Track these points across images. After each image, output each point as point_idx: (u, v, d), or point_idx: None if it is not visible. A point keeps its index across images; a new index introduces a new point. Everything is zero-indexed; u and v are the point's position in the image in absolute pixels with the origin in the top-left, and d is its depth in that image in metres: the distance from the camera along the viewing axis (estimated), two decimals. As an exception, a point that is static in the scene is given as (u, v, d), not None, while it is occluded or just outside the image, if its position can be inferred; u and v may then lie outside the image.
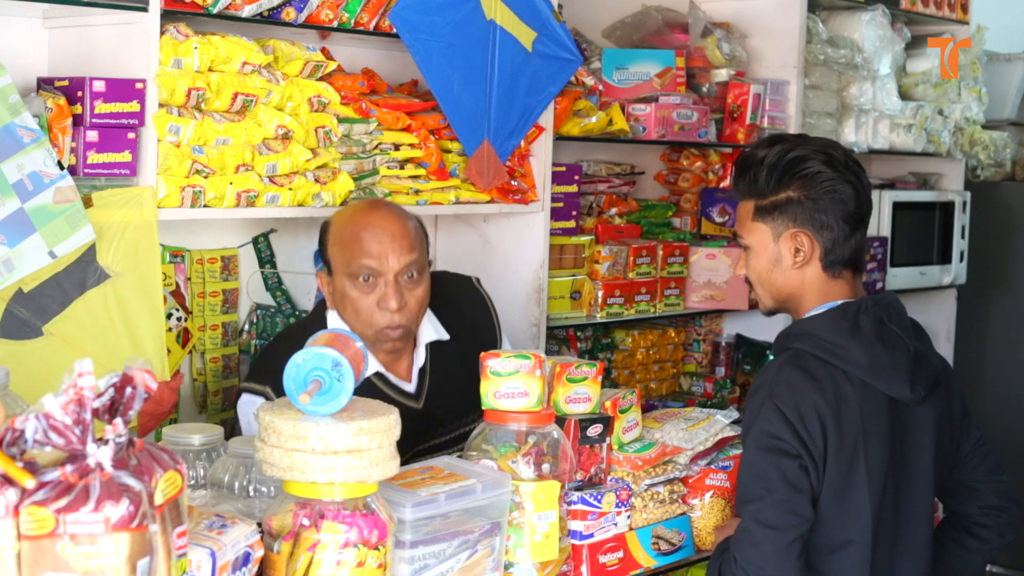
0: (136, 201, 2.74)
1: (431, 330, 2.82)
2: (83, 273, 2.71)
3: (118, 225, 2.73)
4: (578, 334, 4.20)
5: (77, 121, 2.70)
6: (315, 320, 2.78)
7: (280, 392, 2.10)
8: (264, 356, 2.87)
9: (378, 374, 2.72)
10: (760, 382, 2.36)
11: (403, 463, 2.14)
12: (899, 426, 2.39)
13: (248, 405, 2.66)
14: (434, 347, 2.81)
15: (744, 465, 2.34)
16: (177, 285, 3.18)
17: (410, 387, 2.77)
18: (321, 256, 2.79)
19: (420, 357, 2.78)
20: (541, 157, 3.65)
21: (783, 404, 2.28)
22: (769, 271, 2.44)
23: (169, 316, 3.16)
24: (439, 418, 2.76)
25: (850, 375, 2.33)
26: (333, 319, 2.75)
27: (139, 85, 2.74)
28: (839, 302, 2.42)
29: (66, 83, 2.74)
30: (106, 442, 1.45)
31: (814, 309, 2.42)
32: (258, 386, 2.67)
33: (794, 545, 2.25)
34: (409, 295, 2.68)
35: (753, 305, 4.28)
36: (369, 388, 2.66)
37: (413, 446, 2.68)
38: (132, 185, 2.76)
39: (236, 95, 2.87)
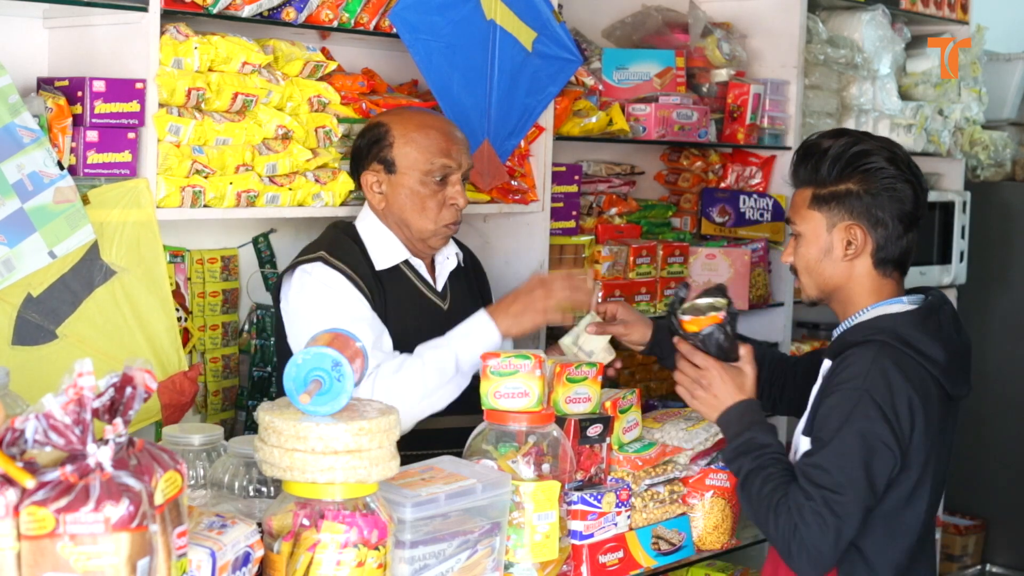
0: (133, 195, 2.74)
1: (455, 244, 3.04)
2: (89, 272, 2.72)
3: (117, 222, 2.73)
4: (578, 334, 4.20)
5: (77, 121, 2.70)
6: (345, 228, 2.92)
7: (338, 258, 2.75)
8: (306, 248, 2.93)
9: (407, 262, 2.90)
10: (852, 372, 2.32)
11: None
12: (948, 421, 2.43)
13: (302, 275, 2.78)
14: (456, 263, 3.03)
15: (835, 449, 2.28)
16: (177, 285, 3.18)
17: (437, 287, 2.95)
18: (373, 157, 2.89)
19: (451, 262, 2.99)
20: (541, 157, 3.65)
21: (880, 399, 2.28)
22: (819, 260, 2.45)
23: (169, 316, 3.16)
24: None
25: (930, 372, 2.35)
26: (367, 220, 2.90)
27: (139, 85, 2.74)
28: (903, 299, 2.44)
29: (66, 83, 2.74)
30: (106, 442, 1.45)
31: (874, 305, 2.43)
32: (308, 256, 2.81)
33: (852, 532, 2.27)
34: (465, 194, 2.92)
35: (755, 305, 4.28)
36: (399, 274, 2.87)
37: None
38: (132, 185, 2.77)
39: (236, 95, 2.87)
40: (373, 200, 2.90)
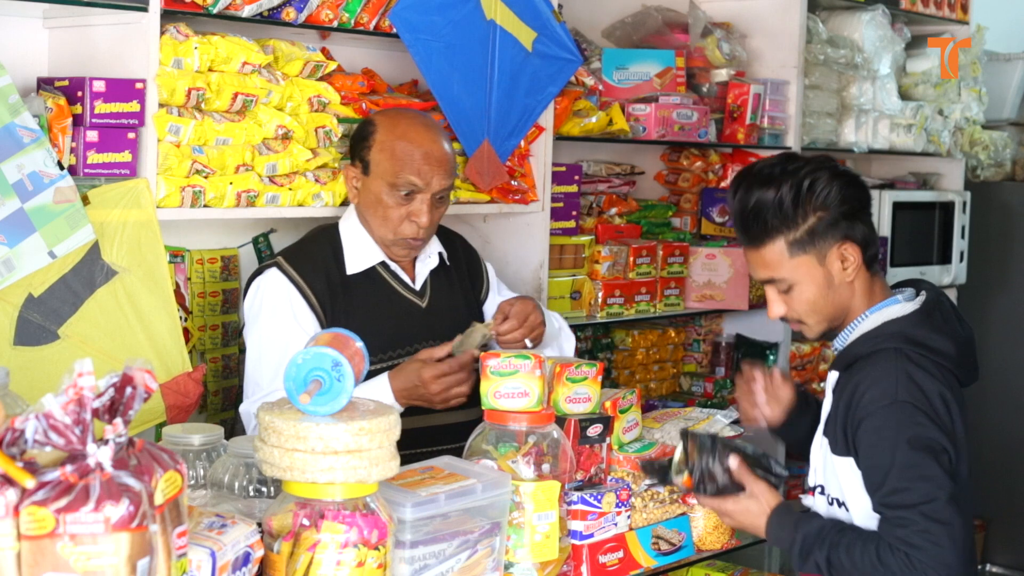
0: (133, 195, 2.74)
1: (438, 243, 3.00)
2: (91, 272, 2.72)
3: (118, 222, 2.74)
4: (578, 334, 4.20)
5: (77, 121, 2.70)
6: (326, 230, 2.93)
7: (293, 266, 2.79)
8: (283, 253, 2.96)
9: (383, 264, 2.89)
10: (882, 389, 2.28)
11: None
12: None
13: (258, 281, 2.83)
14: (439, 261, 3.00)
15: (901, 466, 2.23)
16: (177, 285, 3.17)
17: (415, 286, 2.93)
18: (356, 152, 2.88)
19: (432, 261, 2.96)
20: (541, 157, 3.65)
21: (920, 404, 2.26)
22: (824, 295, 2.39)
23: (169, 316, 3.16)
24: (440, 324, 2.85)
25: (945, 365, 2.34)
26: (350, 220, 2.90)
27: (139, 85, 2.74)
28: (898, 297, 2.43)
29: (66, 83, 2.74)
30: (106, 442, 1.45)
31: (873, 309, 2.41)
32: (267, 263, 2.86)
33: (962, 530, 2.24)
34: (436, 212, 2.85)
35: (755, 305, 4.28)
36: (374, 276, 2.87)
37: (417, 342, 2.82)
38: (132, 185, 2.77)
39: (236, 95, 2.87)
40: (349, 193, 2.91)
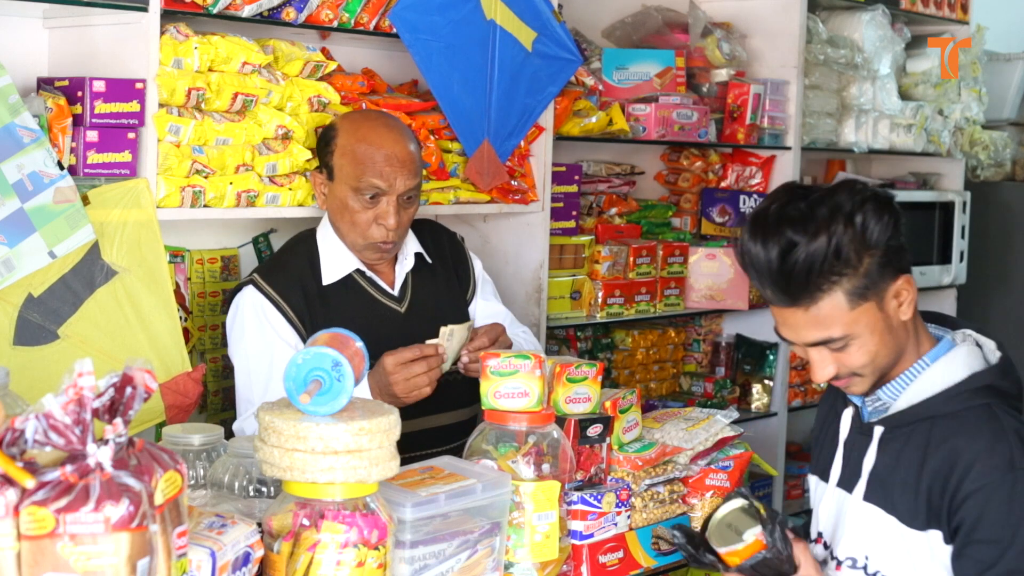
0: (133, 195, 2.75)
1: (416, 243, 2.95)
2: (91, 272, 2.72)
3: (118, 222, 2.74)
4: (578, 334, 4.20)
5: (77, 121, 2.70)
6: (304, 239, 2.91)
7: (269, 281, 2.77)
8: (257, 267, 2.98)
9: (359, 271, 2.85)
10: (992, 458, 1.98)
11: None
12: None
13: (238, 299, 2.82)
14: (417, 262, 2.95)
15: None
16: (177, 285, 3.18)
17: (393, 291, 2.89)
18: (321, 158, 2.86)
19: (408, 262, 2.92)
20: (541, 157, 3.65)
21: None
22: (885, 342, 2.06)
23: (169, 316, 3.16)
24: (420, 328, 2.80)
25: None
26: (325, 228, 2.87)
27: (139, 85, 2.74)
28: (948, 340, 2.16)
29: (66, 83, 2.74)
30: (106, 442, 1.45)
31: (934, 355, 2.12)
32: (244, 280, 2.84)
33: None
34: (404, 214, 2.81)
35: (755, 305, 4.28)
36: (350, 284, 2.84)
37: (400, 344, 2.75)
38: (132, 185, 2.77)
39: (236, 95, 2.87)
40: (318, 200, 2.89)
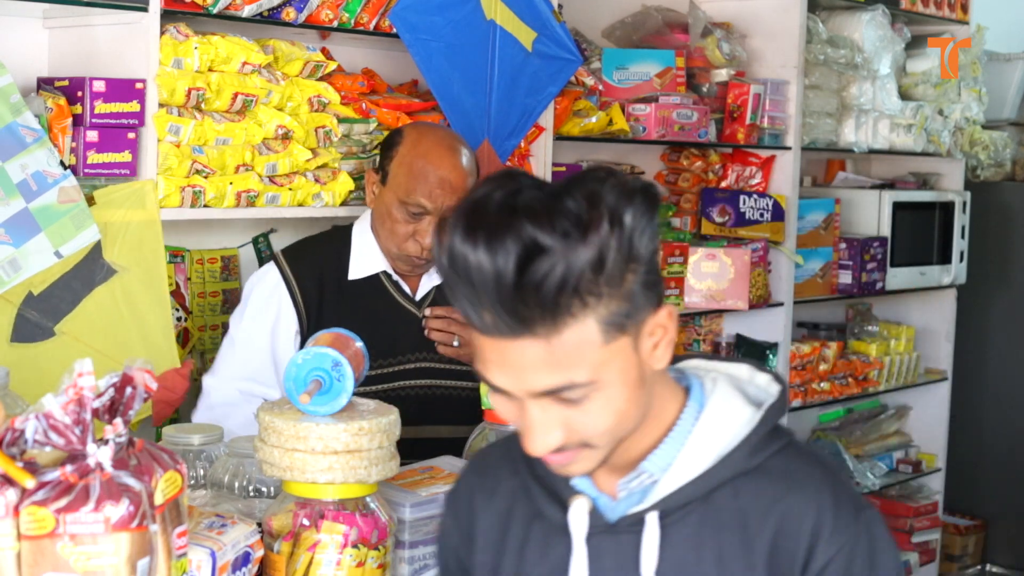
0: (138, 196, 2.75)
1: None
2: (91, 271, 2.72)
3: (122, 222, 2.74)
4: (578, 334, 4.19)
5: (77, 121, 2.70)
6: (340, 229, 2.92)
7: (290, 262, 2.79)
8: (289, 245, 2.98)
9: (386, 273, 2.85)
10: (837, 519, 1.47)
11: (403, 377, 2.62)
12: None
13: (258, 271, 2.86)
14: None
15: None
16: (177, 285, 3.18)
17: (415, 297, 2.88)
18: (380, 159, 2.86)
19: (436, 278, 2.87)
20: (541, 157, 3.65)
21: (850, 483, 1.54)
22: (636, 398, 1.42)
23: (169, 316, 3.16)
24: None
25: None
26: (363, 224, 2.87)
27: (139, 85, 2.74)
28: (697, 381, 1.56)
29: (66, 83, 2.74)
30: (106, 442, 1.45)
31: (694, 403, 1.52)
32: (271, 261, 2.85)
33: None
34: None
35: (755, 305, 4.28)
36: (375, 283, 2.83)
37: (412, 352, 2.80)
38: (132, 185, 2.77)
39: (236, 95, 2.87)
40: (367, 196, 2.88)
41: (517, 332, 1.34)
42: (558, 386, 1.36)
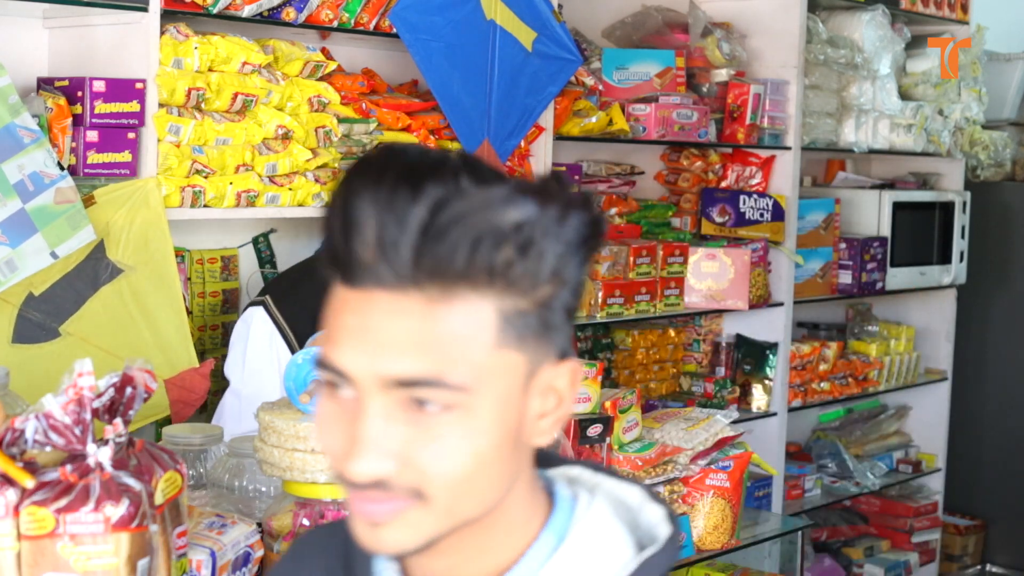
0: (141, 194, 2.75)
1: None
2: (94, 271, 2.72)
3: (125, 220, 2.74)
4: (578, 334, 4.20)
5: (77, 121, 2.70)
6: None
7: (279, 306, 2.73)
8: (272, 281, 2.96)
9: None
10: None
11: None
12: None
13: (246, 317, 2.80)
14: None
15: None
16: (177, 285, 3.18)
17: None
18: None
19: None
20: (541, 157, 3.65)
21: None
22: (500, 460, 1.06)
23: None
24: None
25: None
26: None
27: (139, 85, 2.74)
28: (568, 495, 1.16)
29: (66, 83, 2.74)
30: (106, 442, 1.45)
31: (558, 521, 1.12)
32: (258, 297, 2.81)
33: None
34: None
35: (755, 305, 4.28)
36: None
37: None
38: (132, 185, 2.77)
39: (236, 95, 2.87)
40: None
41: (402, 281, 1.04)
42: (423, 376, 1.02)
